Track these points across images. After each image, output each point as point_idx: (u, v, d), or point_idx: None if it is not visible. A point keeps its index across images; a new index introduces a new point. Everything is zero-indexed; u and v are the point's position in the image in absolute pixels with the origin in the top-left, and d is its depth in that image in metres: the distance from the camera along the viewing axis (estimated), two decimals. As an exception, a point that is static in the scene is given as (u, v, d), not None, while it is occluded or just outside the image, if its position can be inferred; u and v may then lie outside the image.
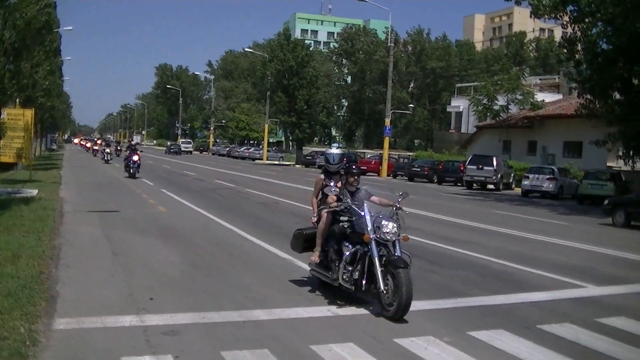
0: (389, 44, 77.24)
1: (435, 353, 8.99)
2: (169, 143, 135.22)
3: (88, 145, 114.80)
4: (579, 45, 40.75)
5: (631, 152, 41.32)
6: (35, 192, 28.85)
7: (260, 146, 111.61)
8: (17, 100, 41.02)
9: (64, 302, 10.79)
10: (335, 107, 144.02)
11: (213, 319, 10.19)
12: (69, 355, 8.33)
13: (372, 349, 8.99)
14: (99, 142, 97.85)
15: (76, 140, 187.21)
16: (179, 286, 12.51)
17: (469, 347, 9.31)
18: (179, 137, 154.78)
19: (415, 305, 11.51)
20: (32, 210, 21.55)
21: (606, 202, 32.68)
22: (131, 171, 43.24)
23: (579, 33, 39.86)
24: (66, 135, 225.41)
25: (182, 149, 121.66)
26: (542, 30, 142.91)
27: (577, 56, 41.40)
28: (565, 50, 43.40)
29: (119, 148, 77.56)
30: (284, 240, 18.27)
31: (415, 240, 19.80)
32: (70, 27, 64.79)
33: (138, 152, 44.48)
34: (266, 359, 8.42)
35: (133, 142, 53.60)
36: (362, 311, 11.12)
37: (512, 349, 9.32)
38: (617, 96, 40.35)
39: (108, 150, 67.22)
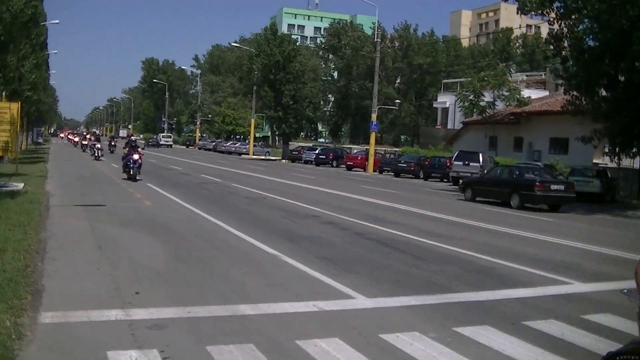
0: (375, 40, 77.22)
1: (420, 349, 8.97)
2: (148, 138, 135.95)
3: (76, 139, 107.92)
4: (566, 41, 40.81)
5: (617, 149, 41.46)
6: (21, 185, 28.77)
7: (247, 141, 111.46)
8: (3, 93, 40.89)
9: (50, 295, 10.77)
10: (322, 102, 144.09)
11: (199, 313, 10.18)
12: (54, 348, 8.32)
13: (358, 345, 9.00)
14: (88, 136, 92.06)
15: (62, 134, 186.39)
16: (165, 280, 12.51)
17: (454, 342, 9.32)
18: (165, 131, 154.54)
19: (401, 300, 11.63)
20: (18, 204, 21.48)
21: (461, 182, 40.98)
22: (131, 172, 36.60)
23: (565, 30, 39.92)
24: (52, 129, 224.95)
25: (162, 142, 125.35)
26: (528, 26, 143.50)
27: (563, 53, 41.45)
28: (551, 47, 43.47)
29: (112, 143, 75.51)
30: (271, 235, 18.40)
31: (400, 235, 20.01)
32: (57, 21, 64.40)
33: (139, 149, 38.14)
34: (251, 354, 8.39)
35: (133, 138, 43.46)
36: (348, 307, 11.13)
37: (497, 344, 9.32)
38: (603, 93, 40.46)
39: (98, 145, 63.92)
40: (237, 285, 12.39)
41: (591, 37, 39.40)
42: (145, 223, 20.40)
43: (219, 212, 23.56)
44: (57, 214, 20.97)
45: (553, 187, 34.92)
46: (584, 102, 40.53)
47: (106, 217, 21.08)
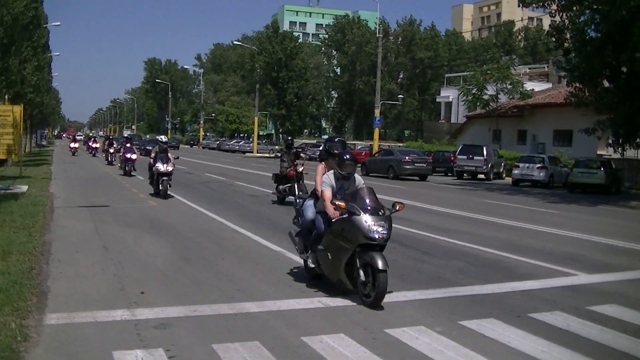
0: (378, 35, 77.16)
1: (426, 343, 8.99)
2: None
3: (92, 144, 78.68)
4: (568, 33, 40.80)
5: (620, 140, 41.38)
6: (25, 188, 28.79)
7: (251, 139, 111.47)
8: (6, 96, 40.98)
9: (55, 297, 10.80)
10: (325, 99, 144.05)
11: (204, 312, 10.20)
12: (60, 350, 8.33)
13: (363, 340, 9.01)
14: (93, 139, 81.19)
15: (65, 135, 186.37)
16: (170, 279, 12.54)
17: (459, 336, 9.32)
18: (169, 131, 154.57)
19: (406, 295, 11.63)
20: (22, 206, 21.51)
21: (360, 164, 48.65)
22: (160, 187, 27.63)
23: (567, 21, 39.91)
24: (56, 131, 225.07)
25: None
26: (530, 19, 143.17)
27: (565, 44, 41.44)
28: (553, 39, 43.54)
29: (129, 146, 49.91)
30: (275, 233, 18.36)
31: (406, 230, 19.95)
32: (58, 23, 64.50)
33: (170, 156, 28.24)
34: (257, 351, 8.41)
35: (162, 138, 31.19)
36: (353, 302, 11.11)
37: (503, 337, 9.33)
38: (606, 84, 40.43)
39: (112, 150, 55.16)
40: (243, 283, 12.41)
41: (593, 28, 39.42)
42: (150, 223, 20.43)
43: (224, 211, 23.58)
44: (61, 216, 20.99)
45: (416, 164, 49.68)
46: (587, 94, 40.51)
47: (111, 218, 21.10)
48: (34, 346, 8.36)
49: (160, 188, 27.32)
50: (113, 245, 16.11)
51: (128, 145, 42.77)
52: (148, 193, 28.90)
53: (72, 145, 77.53)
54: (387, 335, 9.34)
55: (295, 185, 25.88)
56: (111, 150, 55.68)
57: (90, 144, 79.45)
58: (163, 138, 31.06)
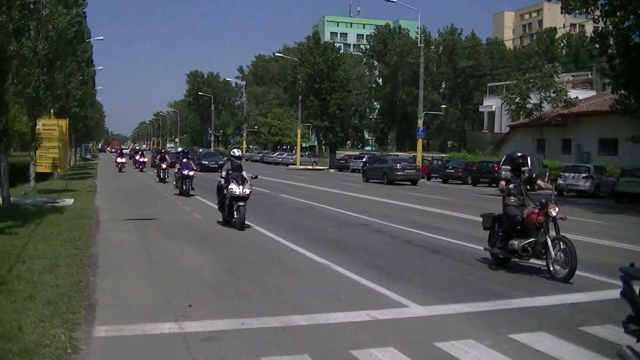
0: (419, 44, 77.00)
1: (476, 357, 8.91)
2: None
3: (139, 158, 70.21)
4: (611, 39, 40.34)
5: (668, 147, 40.91)
6: (71, 201, 29.08)
7: (294, 151, 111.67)
8: (52, 110, 41.37)
9: (103, 309, 10.85)
10: (367, 110, 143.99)
11: (252, 325, 10.18)
12: (110, 363, 8.34)
13: (413, 354, 8.93)
14: (141, 153, 72.93)
15: (110, 148, 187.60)
16: (217, 292, 12.54)
17: (510, 350, 9.22)
18: (212, 143, 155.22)
19: (454, 307, 11.54)
20: (69, 220, 21.78)
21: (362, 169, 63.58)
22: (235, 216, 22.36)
23: (610, 27, 39.47)
24: (100, 145, 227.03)
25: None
26: (572, 25, 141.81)
27: (609, 51, 40.97)
28: (597, 45, 43.05)
29: (186, 160, 37.43)
30: (320, 245, 18.31)
31: (451, 242, 19.91)
32: (102, 37, 65.29)
33: (247, 178, 23.01)
34: (307, 365, 8.36)
35: (236, 153, 24.70)
36: (402, 315, 11.09)
37: (554, 351, 9.21)
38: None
39: (164, 165, 48.62)
40: (289, 295, 12.38)
41: (637, 33, 38.90)
42: (195, 235, 20.47)
43: (268, 223, 23.56)
44: (107, 229, 21.14)
45: (406, 170, 56.88)
46: (633, 101, 40.02)
47: (156, 231, 21.21)
48: (84, 358, 8.41)
49: (236, 216, 21.89)
50: (159, 258, 16.20)
51: (185, 160, 36.77)
52: (193, 206, 29.05)
53: (119, 160, 68.98)
54: (436, 348, 9.25)
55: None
56: (163, 166, 48.64)
57: (137, 158, 71.59)
58: (236, 152, 24.53)
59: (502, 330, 10.20)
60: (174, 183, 37.26)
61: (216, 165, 63.69)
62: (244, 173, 22.88)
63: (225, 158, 78.02)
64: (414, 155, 75.48)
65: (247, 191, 22.16)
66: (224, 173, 22.98)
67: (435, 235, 21.33)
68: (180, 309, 11.00)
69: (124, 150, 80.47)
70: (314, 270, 14.98)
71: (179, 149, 42.85)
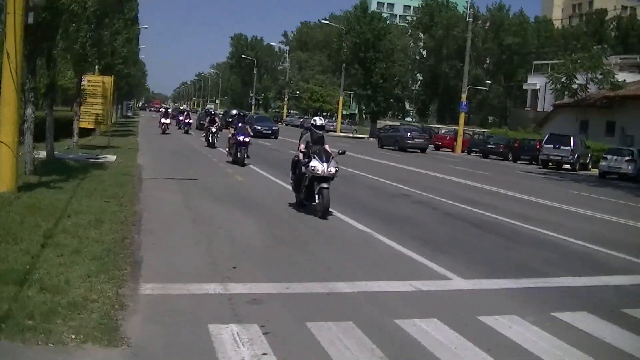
0: (467, 19, 76.53)
1: (519, 332, 8.87)
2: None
3: (184, 119, 67.96)
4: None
5: None
6: (113, 158, 29.28)
7: (334, 118, 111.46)
8: (97, 67, 41.60)
9: (148, 267, 10.93)
10: (410, 81, 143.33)
11: (296, 290, 10.24)
12: (156, 320, 8.42)
13: (456, 326, 8.92)
14: (186, 113, 70.82)
15: (150, 107, 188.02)
16: (261, 256, 12.61)
17: (553, 327, 9.18)
18: (253, 107, 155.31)
19: (497, 283, 11.56)
20: (112, 176, 21.90)
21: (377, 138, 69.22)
22: None
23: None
24: (140, 103, 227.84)
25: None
26: (624, 8, 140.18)
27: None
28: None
29: (242, 124, 33.41)
30: (363, 214, 18.37)
31: (491, 217, 19.94)
32: (149, -5, 65.25)
33: (332, 154, 18.58)
34: (351, 332, 8.38)
35: (318, 121, 19.28)
36: (445, 287, 11.14)
37: (597, 332, 9.16)
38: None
39: (214, 129, 44.03)
40: (333, 262, 12.42)
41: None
42: (237, 198, 20.56)
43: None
44: (150, 187, 21.22)
45: (416, 139, 62.64)
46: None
47: (199, 192, 21.28)
48: (131, 315, 8.46)
49: (318, 200, 17.70)
50: (202, 219, 16.31)
51: (240, 124, 32.51)
52: (236, 168, 29.18)
53: (163, 120, 61.92)
54: (479, 322, 9.25)
55: None
56: (213, 129, 43.80)
57: (181, 118, 68.28)
58: (318, 120, 19.13)
59: (545, 308, 10.17)
60: (227, 150, 33.56)
61: (269, 131, 63.75)
62: (327, 147, 18.46)
63: (277, 124, 75.12)
64: (424, 126, 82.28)
65: (333, 170, 17.75)
66: (302, 146, 18.59)
67: (477, 210, 21.29)
68: (225, 271, 11.05)
69: (169, 110, 70.60)
70: (357, 239, 14.97)
71: (233, 112, 36.45)
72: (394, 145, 62.53)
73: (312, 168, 17.53)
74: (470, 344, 8.27)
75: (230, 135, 32.96)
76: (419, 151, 61.09)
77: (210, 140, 43.66)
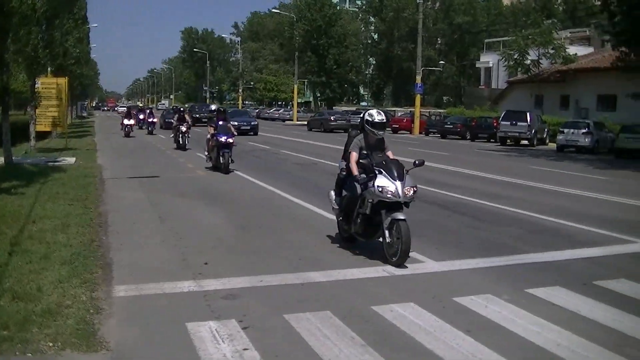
0: (418, 1, 76.75)
1: (496, 311, 8.96)
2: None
3: (147, 118, 59.95)
4: (615, -4, 40.24)
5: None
6: (73, 160, 29.03)
7: (289, 107, 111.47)
8: (49, 69, 41.19)
9: (120, 269, 10.85)
10: (363, 66, 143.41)
11: (271, 282, 10.21)
12: (134, 321, 8.38)
13: (433, 309, 8.99)
14: (149, 111, 62.42)
15: (114, 108, 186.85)
16: (231, 249, 12.57)
17: (528, 304, 9.28)
18: (208, 100, 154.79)
19: (469, 263, 11.62)
20: (73, 178, 21.72)
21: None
22: None
23: (614, -17, 39.39)
24: (95, 102, 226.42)
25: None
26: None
27: (611, 8, 40.84)
28: (598, 2, 42.89)
29: (223, 122, 27.69)
30: (328, 201, 18.28)
31: (457, 197, 20.02)
32: (97, -6, 64.72)
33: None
34: (330, 321, 8.41)
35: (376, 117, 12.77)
36: (418, 271, 11.18)
37: (571, 305, 9.28)
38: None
39: (184, 128, 37.99)
40: (304, 252, 12.41)
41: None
42: (201, 192, 20.49)
43: (272, 179, 23.53)
44: (112, 187, 21.09)
45: (338, 121, 70.48)
46: (634, 58, 39.95)
47: (162, 188, 21.19)
48: (107, 318, 8.41)
49: (388, 239, 11.71)
50: (168, 215, 16.22)
51: (221, 122, 27.16)
52: (196, 162, 28.96)
53: (126, 121, 53.08)
54: (456, 303, 9.32)
55: None
56: (183, 128, 37.91)
57: (142, 117, 61.82)
58: (377, 116, 12.68)
59: (518, 285, 10.27)
60: (205, 154, 28.37)
61: (248, 127, 55.70)
62: (390, 153, 12.99)
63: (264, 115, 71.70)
64: (344, 111, 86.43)
65: (411, 192, 12.11)
66: (355, 154, 12.42)
67: (442, 191, 21.34)
68: (196, 267, 11.01)
69: (131, 110, 60.44)
70: (325, 227, 14.90)
71: (212, 107, 28.89)
72: (320, 127, 71.11)
73: (380, 189, 11.69)
74: (449, 326, 8.33)
75: (209, 135, 27.71)
76: (342, 131, 63.99)
77: (181, 142, 37.96)
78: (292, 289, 9.90)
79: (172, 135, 40.49)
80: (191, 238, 13.44)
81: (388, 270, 11.04)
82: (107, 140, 46.35)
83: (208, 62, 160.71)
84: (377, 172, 11.88)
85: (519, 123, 51.36)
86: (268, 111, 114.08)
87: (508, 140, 53.42)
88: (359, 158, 12.39)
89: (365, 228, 12.26)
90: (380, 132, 12.67)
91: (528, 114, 52.05)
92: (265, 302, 9.22)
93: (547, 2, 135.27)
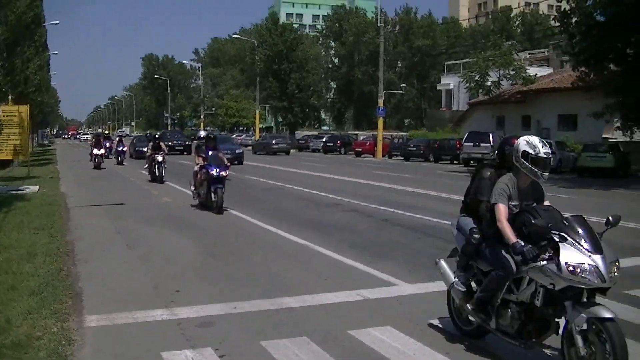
0: (378, 24, 77.18)
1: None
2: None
3: (117, 147, 53.68)
4: (573, 17, 40.67)
5: (629, 123, 41.31)
6: (36, 188, 28.69)
7: (251, 132, 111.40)
8: (10, 97, 40.87)
9: (90, 298, 10.67)
10: (324, 90, 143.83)
11: (245, 309, 10.07)
12: (108, 352, 8.22)
13: (411, 331, 8.95)
14: (118, 139, 56.06)
15: (75, 136, 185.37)
16: (202, 276, 12.43)
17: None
18: (169, 126, 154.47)
19: (442, 284, 11.41)
20: (37, 207, 21.45)
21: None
22: None
23: (573, 5, 39.80)
24: (55, 130, 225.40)
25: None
26: (527, 4, 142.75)
27: (570, 28, 41.28)
28: (558, 23, 43.30)
29: (214, 152, 23.34)
30: (297, 226, 18.22)
31: (426, 219, 20.08)
32: (57, 21, 64.36)
33: None
34: (307, 347, 8.30)
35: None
36: (392, 294, 11.12)
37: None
38: (613, 67, 40.31)
39: (160, 157, 33.57)
40: (276, 277, 12.30)
41: (600, 11, 39.26)
42: (168, 219, 20.30)
43: (241, 205, 23.28)
44: (78, 215, 20.81)
45: (279, 145, 75.74)
46: (594, 77, 40.39)
47: (128, 216, 20.94)
48: (80, 349, 8.24)
49: (583, 353, 7.03)
50: (136, 243, 16.04)
51: (211, 151, 23.14)
52: (161, 190, 28.68)
53: (96, 151, 46.75)
54: (433, 325, 9.32)
55: None
56: (159, 158, 33.60)
57: (109, 145, 56.96)
58: (542, 148, 8.16)
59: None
60: (192, 189, 24.11)
61: (232, 156, 45.63)
62: (546, 202, 9.13)
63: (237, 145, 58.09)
64: (290, 135, 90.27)
65: (615, 270, 7.53)
66: (503, 209, 8.22)
67: (410, 214, 21.33)
68: (168, 295, 10.85)
69: (100, 138, 51.92)
70: (296, 251, 14.86)
71: (202, 133, 24.82)
72: (263, 150, 75.56)
73: (571, 269, 7.19)
74: (429, 349, 8.29)
75: (196, 167, 23.75)
76: (283, 154, 73.40)
77: (157, 173, 33.54)
78: (267, 315, 9.76)
79: (146, 165, 36.08)
80: (160, 265, 13.30)
81: (362, 294, 10.93)
82: (69, 168, 45.79)
83: (169, 88, 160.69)
84: (556, 239, 7.50)
85: (482, 144, 51.53)
86: (230, 137, 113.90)
87: (472, 162, 53.56)
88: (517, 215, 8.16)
89: (525, 325, 7.77)
90: (546, 174, 8.30)
91: (491, 135, 52.30)
92: (240, 329, 9.09)
93: (505, 24, 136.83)
